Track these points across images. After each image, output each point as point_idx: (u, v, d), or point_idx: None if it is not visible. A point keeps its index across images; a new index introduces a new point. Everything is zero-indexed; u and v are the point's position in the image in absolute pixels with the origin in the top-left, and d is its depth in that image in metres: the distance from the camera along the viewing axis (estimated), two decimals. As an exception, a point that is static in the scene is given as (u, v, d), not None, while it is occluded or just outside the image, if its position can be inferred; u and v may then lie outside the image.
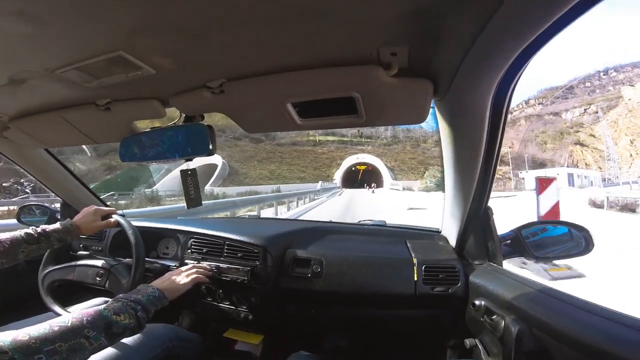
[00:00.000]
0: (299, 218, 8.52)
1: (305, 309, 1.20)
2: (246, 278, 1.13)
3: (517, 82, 0.70)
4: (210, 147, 0.86)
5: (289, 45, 0.67)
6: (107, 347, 0.67)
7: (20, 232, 0.95)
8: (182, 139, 0.91)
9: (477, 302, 0.95)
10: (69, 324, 0.61)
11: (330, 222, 1.49)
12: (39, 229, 0.98)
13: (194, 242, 1.27)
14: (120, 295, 0.79)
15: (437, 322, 1.15)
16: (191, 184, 0.99)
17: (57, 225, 1.02)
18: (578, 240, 1.02)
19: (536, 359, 0.74)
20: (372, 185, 55.08)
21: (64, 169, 1.39)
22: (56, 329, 0.59)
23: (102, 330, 0.65)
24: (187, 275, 1.01)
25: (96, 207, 1.11)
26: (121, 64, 0.71)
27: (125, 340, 0.92)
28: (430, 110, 0.83)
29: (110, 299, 0.79)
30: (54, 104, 0.97)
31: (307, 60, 0.71)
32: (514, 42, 0.54)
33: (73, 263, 1.20)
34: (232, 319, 1.20)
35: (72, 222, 1.05)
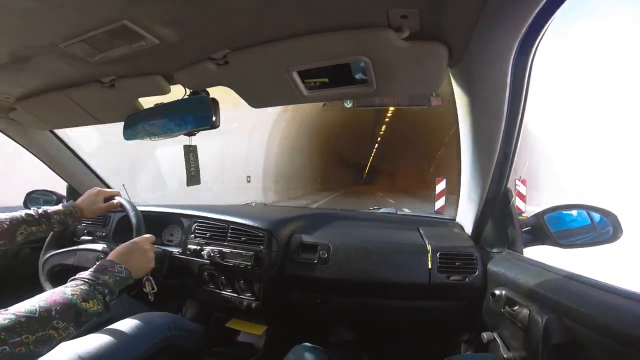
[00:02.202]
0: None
1: (310, 297, 1.15)
2: (250, 263, 1.09)
3: (538, 45, 0.66)
4: (214, 119, 0.83)
5: (293, 10, 0.64)
6: (73, 334, 0.62)
7: (20, 213, 0.93)
8: (186, 112, 0.89)
9: (497, 292, 0.89)
10: (37, 315, 0.56)
11: (339, 209, 1.44)
12: (40, 210, 0.96)
13: (197, 226, 1.24)
14: (86, 273, 0.71)
15: (451, 314, 1.08)
16: (192, 160, 0.97)
17: (58, 207, 1.00)
18: (605, 227, 0.95)
19: (566, 349, 0.68)
20: None
21: (69, 152, 1.39)
22: (23, 320, 0.54)
23: (72, 320, 0.60)
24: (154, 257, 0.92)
25: (99, 188, 1.09)
26: (125, 34, 0.69)
27: (123, 329, 0.88)
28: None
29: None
30: (59, 83, 0.97)
31: (313, 24, 0.68)
32: None
33: (74, 247, 1.18)
34: (235, 308, 1.16)
35: (74, 204, 1.03)
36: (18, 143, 1.27)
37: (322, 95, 0.85)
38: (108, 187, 1.51)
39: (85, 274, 0.71)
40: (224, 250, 1.14)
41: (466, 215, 1.12)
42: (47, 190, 1.51)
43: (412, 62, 0.72)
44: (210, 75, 0.84)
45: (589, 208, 0.96)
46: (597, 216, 0.95)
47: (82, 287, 0.67)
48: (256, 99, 0.93)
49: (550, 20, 0.59)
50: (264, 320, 1.26)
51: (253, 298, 1.13)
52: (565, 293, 0.72)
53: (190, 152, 0.98)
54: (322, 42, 0.70)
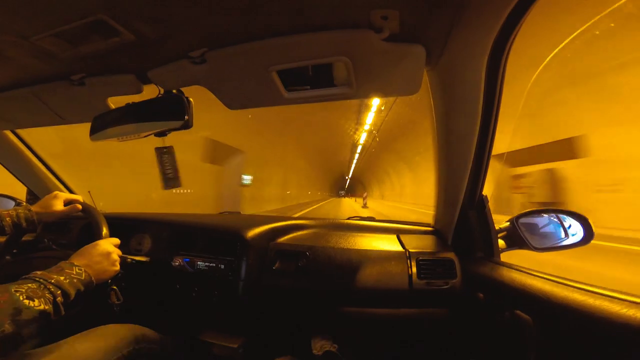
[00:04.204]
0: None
1: (289, 307, 1.10)
2: (224, 274, 1.04)
3: (510, 46, 0.69)
4: (187, 118, 0.80)
5: (275, 8, 0.64)
6: (11, 335, 0.55)
7: None
8: (157, 112, 0.85)
9: (477, 297, 0.89)
10: None
11: (316, 218, 1.42)
12: None
13: (167, 235, 1.18)
14: (39, 272, 0.66)
15: (435, 321, 1.06)
16: (167, 162, 0.94)
17: (11, 209, 0.93)
18: (577, 230, 0.97)
19: (547, 349, 0.69)
20: None
21: (31, 154, 1.30)
22: None
23: (8, 317, 0.55)
24: (117, 260, 0.86)
25: (58, 192, 1.02)
26: (101, 29, 0.67)
27: (85, 341, 0.81)
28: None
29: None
30: (27, 80, 0.92)
31: (295, 24, 0.68)
32: None
33: (32, 255, 1.09)
34: (209, 320, 1.10)
35: (29, 207, 0.96)
36: None
37: (302, 96, 0.84)
38: (71, 192, 1.42)
39: (37, 273, 0.66)
40: (196, 259, 1.09)
41: (443, 222, 1.13)
42: (5, 195, 1.40)
43: (391, 63, 0.73)
44: (187, 74, 0.82)
45: (561, 212, 0.98)
46: (569, 219, 0.98)
47: (29, 284, 0.62)
48: (233, 100, 0.91)
49: (521, 21, 0.62)
50: (240, 332, 1.20)
51: (228, 309, 1.08)
52: (544, 295, 0.72)
53: (165, 154, 0.94)
54: (303, 42, 0.70)
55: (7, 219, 0.90)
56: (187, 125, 0.83)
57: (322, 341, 1.23)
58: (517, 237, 1.00)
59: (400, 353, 1.19)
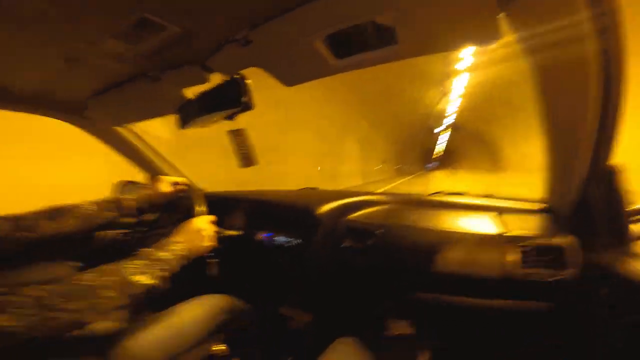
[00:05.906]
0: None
1: (357, 286, 1.07)
2: (297, 249, 1.07)
3: None
4: (244, 99, 0.80)
5: None
6: (127, 306, 0.66)
7: (99, 200, 1.03)
8: (220, 98, 0.88)
9: (598, 293, 0.71)
10: (89, 284, 0.61)
11: (395, 193, 1.31)
12: (115, 199, 1.07)
13: (253, 211, 1.26)
14: (146, 250, 0.76)
15: (534, 318, 0.89)
16: (241, 142, 0.98)
17: (132, 195, 1.11)
18: None
19: None
20: None
21: (144, 144, 1.53)
22: (77, 288, 0.60)
23: (121, 291, 0.64)
24: (213, 236, 0.93)
25: (165, 176, 1.17)
26: (148, 26, 0.70)
27: (185, 311, 0.94)
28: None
29: None
30: (114, 80, 1.03)
31: None
32: None
33: (151, 232, 1.29)
34: (283, 294, 1.15)
35: (146, 191, 1.13)
36: (97, 138, 1.44)
37: (353, 62, 0.75)
38: (181, 175, 1.64)
39: (145, 250, 0.76)
40: (275, 235, 1.14)
41: (558, 198, 0.90)
42: (130, 182, 1.69)
43: (454, 10, 0.57)
44: (238, 58, 0.81)
45: None
46: None
47: (136, 261, 0.72)
48: (287, 77, 0.88)
49: None
50: (310, 308, 1.23)
51: (299, 285, 1.11)
52: None
53: (237, 136, 0.99)
54: None
55: (132, 202, 1.07)
56: (247, 107, 0.83)
57: (397, 323, 1.18)
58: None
59: (488, 347, 1.05)
